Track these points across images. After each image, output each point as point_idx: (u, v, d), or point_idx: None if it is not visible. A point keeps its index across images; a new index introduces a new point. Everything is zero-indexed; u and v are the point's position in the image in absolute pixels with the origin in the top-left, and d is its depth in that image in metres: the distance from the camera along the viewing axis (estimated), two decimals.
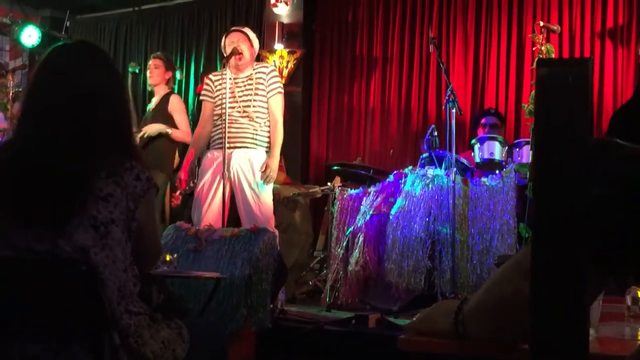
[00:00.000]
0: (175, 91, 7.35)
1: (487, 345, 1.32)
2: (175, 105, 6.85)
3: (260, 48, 6.41)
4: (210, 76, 6.00)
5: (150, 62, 7.06)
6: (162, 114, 6.77)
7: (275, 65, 7.92)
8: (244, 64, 5.72)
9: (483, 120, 6.90)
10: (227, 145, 5.51)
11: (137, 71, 8.61)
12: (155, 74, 6.93)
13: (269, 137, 5.69)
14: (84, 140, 2.30)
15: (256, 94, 5.68)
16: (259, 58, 6.29)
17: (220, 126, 5.64)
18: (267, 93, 5.69)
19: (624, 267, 1.06)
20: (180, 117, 6.83)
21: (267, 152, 5.68)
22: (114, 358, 2.21)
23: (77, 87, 2.36)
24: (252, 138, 5.64)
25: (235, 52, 5.65)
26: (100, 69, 2.44)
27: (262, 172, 5.58)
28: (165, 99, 6.86)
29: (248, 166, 5.60)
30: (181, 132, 6.79)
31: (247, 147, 5.63)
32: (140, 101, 8.93)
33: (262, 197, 5.60)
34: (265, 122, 5.68)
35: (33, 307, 2.23)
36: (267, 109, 5.69)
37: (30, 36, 8.87)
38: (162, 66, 7.00)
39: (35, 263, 2.21)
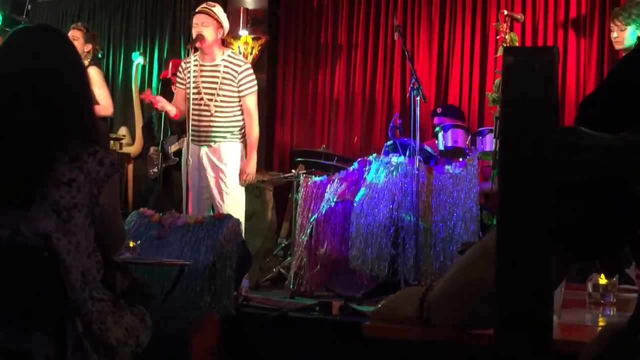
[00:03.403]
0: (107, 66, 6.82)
1: (452, 332, 1.33)
2: (94, 79, 6.20)
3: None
4: (182, 63, 5.87)
5: (69, 34, 6.43)
6: None
7: (239, 52, 7.86)
8: (207, 47, 5.54)
9: (435, 121, 6.90)
10: (195, 138, 5.50)
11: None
12: None
13: (235, 127, 5.58)
14: (45, 123, 2.28)
15: (221, 89, 5.53)
16: (223, 43, 6.13)
17: (193, 119, 5.50)
18: (240, 92, 5.54)
19: (586, 255, 1.07)
20: (99, 90, 6.28)
21: (233, 142, 5.60)
22: (77, 345, 2.19)
23: (38, 70, 2.34)
24: (217, 132, 5.55)
25: (199, 37, 5.49)
26: (61, 53, 2.42)
27: (239, 177, 5.54)
28: None
29: (215, 163, 5.54)
30: (101, 107, 6.28)
31: (213, 142, 5.56)
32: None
33: (230, 191, 5.56)
34: (231, 116, 5.56)
35: None
36: (237, 104, 5.55)
37: None
38: (82, 38, 6.54)
39: None
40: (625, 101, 1.02)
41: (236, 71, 5.56)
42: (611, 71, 1.12)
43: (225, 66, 5.57)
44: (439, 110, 7.06)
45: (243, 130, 5.61)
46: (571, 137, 0.87)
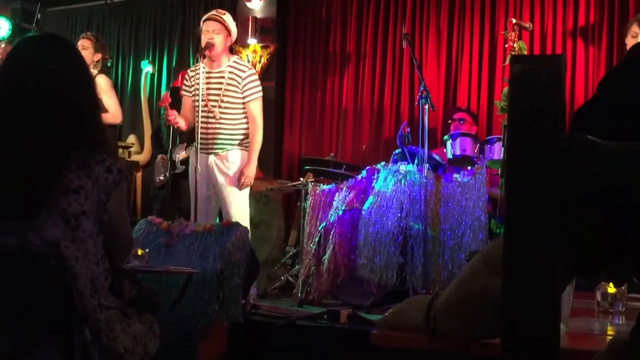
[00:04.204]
0: (115, 74, 6.85)
1: (458, 341, 1.32)
2: (102, 86, 6.36)
3: (233, 42, 6.25)
4: (189, 70, 5.89)
5: (79, 43, 6.54)
6: None
7: (248, 60, 7.86)
8: (216, 54, 5.55)
9: (455, 115, 6.95)
10: (203, 147, 5.50)
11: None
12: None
13: (241, 135, 5.59)
14: (51, 130, 2.29)
15: (225, 95, 5.53)
16: (231, 51, 6.13)
17: (201, 127, 5.51)
18: (244, 98, 5.54)
19: (591, 265, 1.07)
20: (108, 98, 6.41)
21: (240, 149, 5.60)
22: (84, 354, 2.19)
23: (45, 78, 2.35)
24: (224, 140, 5.56)
25: (208, 45, 5.50)
26: (68, 61, 2.43)
27: (238, 179, 5.51)
28: None
29: (223, 170, 5.56)
30: (110, 114, 6.39)
31: (220, 150, 5.57)
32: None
33: (234, 199, 5.57)
34: (236, 123, 5.57)
35: (2, 302, 2.20)
36: (242, 111, 5.56)
37: (0, 28, 8.76)
38: (91, 47, 6.61)
39: (4, 258, 2.19)
40: (619, 109, 1.02)
41: (240, 77, 5.56)
42: (604, 80, 1.11)
43: (230, 72, 5.57)
44: (463, 107, 7.17)
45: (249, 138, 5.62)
46: (577, 145, 0.86)
